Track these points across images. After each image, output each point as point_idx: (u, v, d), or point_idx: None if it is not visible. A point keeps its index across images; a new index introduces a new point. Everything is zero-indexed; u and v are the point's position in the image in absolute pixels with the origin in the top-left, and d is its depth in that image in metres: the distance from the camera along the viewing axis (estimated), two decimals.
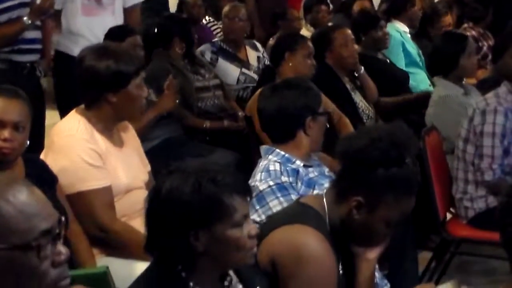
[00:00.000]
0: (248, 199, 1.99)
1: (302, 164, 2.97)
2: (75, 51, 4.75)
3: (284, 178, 2.88)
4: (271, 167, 2.93)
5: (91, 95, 3.04)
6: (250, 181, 2.92)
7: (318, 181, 2.92)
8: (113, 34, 4.53)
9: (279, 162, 2.94)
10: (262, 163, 2.98)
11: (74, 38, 4.76)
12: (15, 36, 4.36)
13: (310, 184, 2.91)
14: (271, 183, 2.88)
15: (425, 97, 5.30)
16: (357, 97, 5.02)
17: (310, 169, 2.99)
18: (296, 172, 2.93)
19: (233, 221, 1.93)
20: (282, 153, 2.97)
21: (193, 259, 1.95)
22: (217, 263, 1.98)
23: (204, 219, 1.92)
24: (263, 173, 2.92)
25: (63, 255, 1.50)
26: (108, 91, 3.00)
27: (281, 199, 2.81)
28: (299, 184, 2.89)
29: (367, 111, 5.01)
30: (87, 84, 3.04)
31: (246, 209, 1.97)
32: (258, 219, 2.78)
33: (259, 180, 2.89)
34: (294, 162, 2.95)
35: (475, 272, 4.55)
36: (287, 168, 2.92)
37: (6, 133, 2.63)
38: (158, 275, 1.98)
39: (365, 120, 4.91)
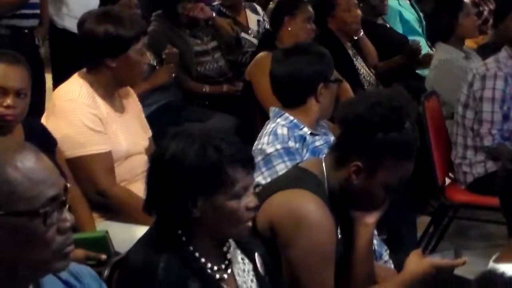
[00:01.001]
0: (251, 171, 1.99)
1: (309, 132, 2.96)
2: (59, 22, 4.81)
3: (291, 143, 2.89)
4: (279, 130, 2.93)
5: (91, 59, 3.03)
6: (256, 143, 2.94)
7: (323, 150, 2.90)
8: None
9: (286, 127, 2.94)
10: (270, 126, 2.98)
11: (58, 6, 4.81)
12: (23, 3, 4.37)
13: (315, 152, 2.91)
14: (279, 146, 2.88)
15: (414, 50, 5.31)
16: (359, 63, 5.01)
17: (317, 137, 2.99)
18: (303, 138, 2.93)
19: (233, 192, 1.93)
20: (291, 118, 2.97)
21: (189, 224, 1.97)
22: (213, 232, 1.98)
23: (205, 186, 1.93)
24: (270, 136, 2.92)
25: (69, 222, 1.51)
26: (107, 56, 2.98)
27: (288, 163, 2.81)
28: (305, 151, 2.90)
29: (368, 77, 5.00)
30: (86, 48, 3.03)
31: (247, 181, 1.97)
32: (263, 181, 2.78)
33: (266, 143, 2.90)
34: (301, 129, 2.95)
35: (473, 237, 4.58)
36: (294, 134, 2.92)
37: (8, 100, 2.63)
38: (158, 238, 2.00)
39: (366, 86, 4.91)
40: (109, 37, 2.96)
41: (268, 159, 2.86)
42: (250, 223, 2.01)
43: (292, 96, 3.01)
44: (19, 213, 1.45)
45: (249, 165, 1.98)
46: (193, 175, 1.92)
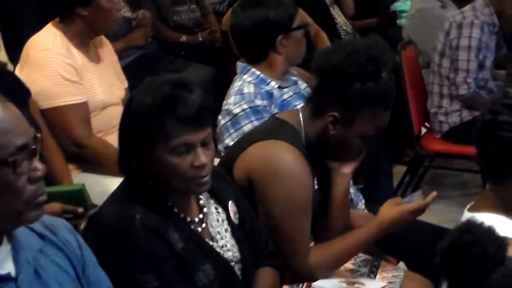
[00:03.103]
0: (200, 128, 1.93)
1: (276, 86, 2.90)
2: None
3: (258, 101, 2.83)
4: (245, 89, 2.87)
5: (62, 9, 2.99)
6: (224, 102, 2.89)
7: (292, 102, 2.88)
8: None
9: (253, 84, 2.88)
10: (236, 84, 2.92)
11: None
12: None
13: (284, 106, 2.87)
14: (245, 106, 2.83)
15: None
16: (336, 12, 4.97)
17: (285, 90, 2.93)
18: (270, 94, 2.87)
19: (169, 146, 1.91)
20: (258, 73, 2.90)
21: (150, 175, 1.97)
22: (167, 184, 1.97)
23: (142, 135, 1.93)
24: (237, 96, 2.86)
25: (39, 171, 1.50)
26: (78, 4, 2.95)
27: (255, 123, 2.76)
28: (272, 106, 2.85)
29: (345, 27, 4.97)
30: None
31: (193, 138, 1.92)
32: (231, 143, 2.73)
33: (233, 104, 2.84)
34: (269, 83, 2.89)
35: (448, 185, 4.63)
36: (261, 91, 2.86)
37: None
38: (131, 191, 2.00)
39: (343, 36, 4.88)
40: None
41: (235, 120, 2.81)
42: (203, 180, 1.97)
43: (253, 51, 2.93)
44: None
45: (195, 122, 1.92)
46: (134, 122, 1.94)
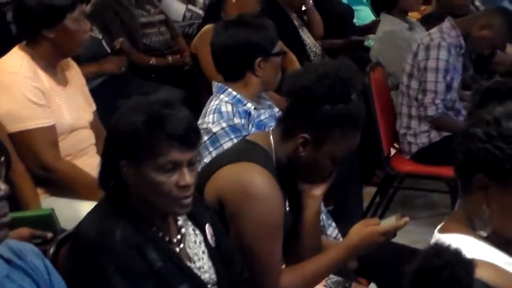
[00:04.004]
0: (188, 148, 1.94)
1: (253, 107, 2.91)
2: None
3: (237, 120, 2.84)
4: (223, 108, 2.87)
5: (28, 32, 2.97)
6: (200, 122, 2.88)
7: (268, 123, 2.88)
8: None
9: (230, 103, 2.88)
10: (213, 103, 2.91)
11: None
12: None
13: (260, 126, 2.87)
14: (224, 124, 2.83)
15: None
16: (305, 34, 4.99)
17: (262, 111, 2.94)
18: (247, 113, 2.88)
19: (157, 164, 1.91)
20: (234, 93, 2.90)
21: (131, 194, 1.97)
22: (148, 203, 1.97)
23: (130, 152, 1.93)
24: (215, 114, 2.86)
25: (2, 191, 1.49)
26: (43, 27, 2.93)
27: (235, 140, 2.75)
28: (250, 126, 2.86)
29: (314, 48, 4.99)
30: (21, 21, 2.97)
31: (180, 157, 1.93)
32: None
33: (211, 122, 2.84)
34: (245, 104, 2.90)
35: (418, 206, 4.65)
36: (239, 110, 2.87)
37: None
38: (111, 209, 1.99)
39: (312, 57, 4.90)
40: (43, 7, 2.90)
41: (215, 138, 2.81)
42: (186, 201, 1.97)
43: (231, 70, 2.94)
44: None
45: (184, 141, 1.93)
46: (121, 139, 1.94)
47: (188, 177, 1.94)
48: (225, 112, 2.85)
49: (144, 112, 1.93)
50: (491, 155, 1.70)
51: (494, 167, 1.70)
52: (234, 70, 2.93)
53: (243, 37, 2.89)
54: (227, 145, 2.75)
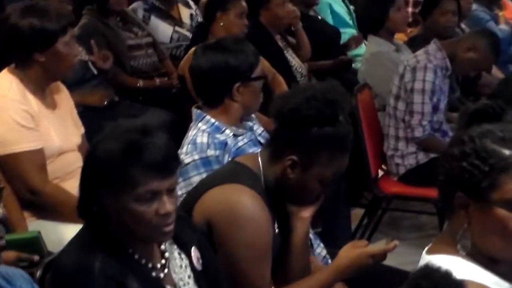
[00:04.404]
0: (166, 176, 1.91)
1: (231, 134, 2.83)
2: None
3: (210, 152, 2.77)
4: (198, 139, 2.80)
5: (18, 55, 2.96)
6: (180, 151, 2.85)
7: (246, 149, 2.81)
8: None
9: (207, 133, 2.81)
10: (191, 133, 2.85)
11: None
12: None
13: (238, 154, 2.80)
14: (196, 157, 2.76)
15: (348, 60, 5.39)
16: (290, 55, 5.01)
17: (240, 138, 2.86)
18: (224, 144, 2.80)
19: (135, 194, 1.88)
20: (212, 120, 2.83)
21: (111, 219, 1.94)
22: (129, 233, 1.94)
23: (107, 182, 1.90)
24: (190, 145, 2.80)
25: (0, 214, 1.47)
26: (35, 50, 2.92)
27: (203, 175, 2.69)
28: (226, 156, 2.79)
29: (300, 69, 5.01)
30: (12, 44, 2.96)
31: (159, 186, 1.89)
32: (179, 192, 2.61)
33: (185, 153, 2.77)
34: (223, 132, 2.82)
35: (406, 227, 4.65)
36: (215, 141, 2.79)
37: None
38: (91, 237, 1.97)
39: (298, 79, 4.92)
40: (35, 30, 2.90)
41: (185, 170, 2.73)
42: (167, 229, 1.94)
43: (209, 94, 2.88)
44: None
45: (162, 170, 1.89)
46: (98, 169, 1.91)
47: (168, 205, 1.90)
48: (199, 144, 2.78)
49: (120, 141, 1.89)
50: (467, 173, 1.71)
51: (472, 185, 1.71)
52: (212, 95, 2.87)
53: (221, 62, 2.83)
54: (195, 178, 2.68)
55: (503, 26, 6.25)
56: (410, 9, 6.41)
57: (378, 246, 2.35)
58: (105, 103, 4.47)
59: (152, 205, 1.89)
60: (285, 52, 4.96)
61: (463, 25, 5.65)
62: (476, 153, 1.71)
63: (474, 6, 6.00)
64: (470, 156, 1.71)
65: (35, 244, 2.52)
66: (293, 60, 5.00)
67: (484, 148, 1.71)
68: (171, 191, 1.93)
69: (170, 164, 1.92)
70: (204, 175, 2.68)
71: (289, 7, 5.00)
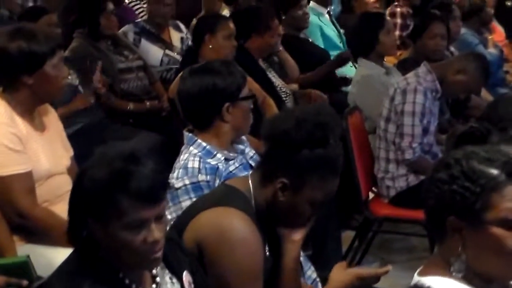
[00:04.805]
0: (154, 204, 1.89)
1: (223, 158, 2.84)
2: None
3: (202, 177, 2.77)
4: (190, 164, 2.80)
5: (6, 78, 2.96)
6: (170, 176, 2.83)
7: (238, 173, 2.81)
8: (26, 15, 4.42)
9: (199, 157, 2.81)
10: (182, 157, 2.85)
11: None
12: None
13: (229, 178, 2.82)
14: (187, 182, 2.76)
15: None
16: (273, 76, 5.00)
17: (231, 162, 2.86)
18: (215, 169, 2.80)
19: (123, 223, 1.86)
20: (204, 144, 2.84)
21: (95, 247, 1.93)
22: (117, 260, 1.93)
23: (95, 211, 1.88)
24: (181, 169, 2.79)
25: None
26: (23, 73, 2.91)
27: (194, 199, 2.69)
28: (217, 181, 2.78)
29: (284, 89, 5.01)
30: (0, 67, 2.96)
31: (147, 214, 1.87)
32: (169, 216, 2.66)
33: (175, 178, 2.77)
34: (215, 156, 2.83)
35: (396, 250, 4.64)
36: (206, 166, 2.79)
37: None
38: (80, 262, 1.95)
39: (284, 97, 4.91)
40: (23, 53, 2.89)
41: (175, 194, 2.74)
42: (155, 255, 1.92)
43: (199, 117, 2.90)
44: None
45: (150, 198, 1.88)
46: (86, 198, 1.89)
47: (156, 233, 1.89)
48: (190, 168, 2.78)
49: (107, 169, 1.87)
50: (459, 195, 1.71)
51: (465, 208, 1.71)
52: (202, 117, 2.88)
53: (209, 84, 2.84)
54: (186, 203, 2.67)
55: (492, 50, 6.29)
56: (397, 32, 6.46)
57: (371, 269, 2.35)
58: (92, 101, 4.43)
59: (140, 232, 1.87)
60: (267, 73, 4.95)
61: (452, 48, 5.69)
62: (465, 175, 1.72)
63: (463, 30, 6.05)
64: (459, 178, 1.72)
65: (24, 268, 2.50)
66: (277, 80, 5.00)
67: (472, 169, 1.72)
68: (159, 218, 1.91)
69: (158, 193, 1.90)
70: (194, 200, 2.67)
71: (278, 34, 5.03)
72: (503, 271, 1.73)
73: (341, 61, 5.47)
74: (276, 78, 5.01)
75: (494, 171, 1.71)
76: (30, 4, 5.67)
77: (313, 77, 5.42)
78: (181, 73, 4.27)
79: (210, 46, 4.44)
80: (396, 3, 7.05)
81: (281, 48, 5.24)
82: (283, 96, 4.93)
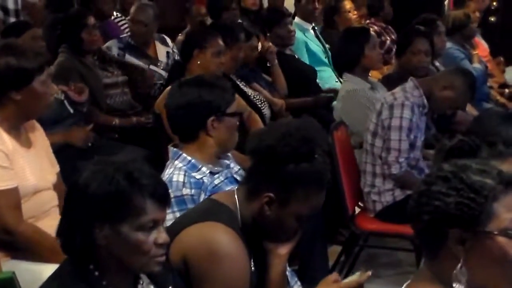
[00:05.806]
0: (164, 206, 1.96)
1: (208, 172, 2.83)
2: None
3: (186, 191, 2.77)
4: (175, 177, 2.79)
5: None
6: None
7: (223, 187, 2.81)
8: (10, 30, 4.42)
9: (183, 171, 2.81)
10: (167, 171, 2.85)
11: None
12: None
13: (214, 192, 2.80)
14: (171, 195, 2.77)
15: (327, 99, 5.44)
16: (242, 85, 4.98)
17: (216, 176, 2.86)
18: (200, 183, 2.80)
19: (139, 223, 1.90)
20: (189, 158, 2.84)
21: (98, 257, 1.93)
22: (120, 263, 1.94)
23: (109, 213, 1.90)
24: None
25: None
26: (11, 89, 2.91)
27: (177, 214, 2.69)
28: (202, 195, 2.78)
29: (257, 96, 4.99)
30: None
31: (158, 215, 1.93)
32: None
33: None
34: (199, 169, 2.82)
35: (383, 264, 4.64)
36: (191, 180, 2.79)
37: None
38: (70, 274, 1.94)
39: (259, 105, 4.89)
40: (11, 69, 2.89)
41: None
42: (161, 259, 1.96)
43: (184, 130, 2.90)
44: None
45: (163, 200, 1.95)
46: (96, 200, 1.90)
47: (164, 235, 1.95)
48: (175, 182, 2.78)
49: (119, 173, 1.91)
50: (465, 206, 1.71)
51: (470, 219, 1.71)
52: (187, 130, 2.89)
53: (196, 96, 2.85)
54: (169, 217, 2.63)
55: (476, 65, 6.33)
56: None
57: (352, 278, 2.35)
58: (89, 144, 4.40)
59: (151, 234, 1.92)
60: (237, 83, 4.92)
61: (437, 63, 5.71)
62: (468, 186, 1.72)
63: (449, 44, 6.08)
64: (463, 190, 1.72)
65: (9, 285, 2.48)
66: (248, 90, 4.98)
67: (472, 181, 1.72)
68: (163, 222, 1.98)
69: (168, 195, 1.99)
70: (177, 214, 2.67)
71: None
72: (505, 281, 1.73)
73: (324, 102, 5.51)
74: (246, 88, 4.98)
75: (492, 182, 1.72)
76: (12, 19, 5.65)
77: (298, 104, 5.43)
78: (169, 87, 4.30)
79: (199, 62, 4.42)
80: (368, 22, 7.09)
81: (275, 62, 5.25)
82: (258, 103, 4.91)
